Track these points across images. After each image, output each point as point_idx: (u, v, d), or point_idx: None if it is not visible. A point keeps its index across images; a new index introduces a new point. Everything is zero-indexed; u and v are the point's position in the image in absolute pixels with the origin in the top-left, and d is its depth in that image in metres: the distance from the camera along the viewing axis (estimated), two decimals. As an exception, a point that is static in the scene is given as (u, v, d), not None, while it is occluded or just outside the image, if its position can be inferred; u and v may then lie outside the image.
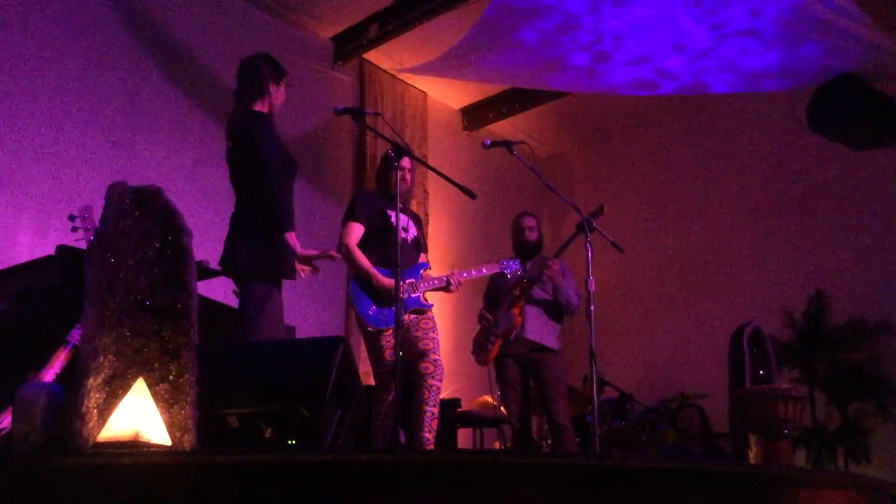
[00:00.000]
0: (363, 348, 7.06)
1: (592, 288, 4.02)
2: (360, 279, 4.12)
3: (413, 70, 7.58)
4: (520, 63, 6.75)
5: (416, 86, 8.18)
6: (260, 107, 3.74)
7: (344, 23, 7.29)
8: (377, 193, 4.40)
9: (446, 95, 8.54)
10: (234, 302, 4.43)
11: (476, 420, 6.10)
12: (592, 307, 4.00)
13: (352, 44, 7.38)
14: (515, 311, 4.92)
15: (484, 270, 4.63)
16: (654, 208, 8.67)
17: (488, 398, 6.68)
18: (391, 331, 3.98)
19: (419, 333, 4.16)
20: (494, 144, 4.22)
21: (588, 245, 4.13)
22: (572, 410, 5.25)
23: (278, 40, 6.91)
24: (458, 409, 5.99)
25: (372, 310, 4.07)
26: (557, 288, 4.91)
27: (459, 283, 4.33)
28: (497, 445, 6.49)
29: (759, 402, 3.99)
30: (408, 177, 4.31)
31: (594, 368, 3.93)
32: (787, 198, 7.77)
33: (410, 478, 2.04)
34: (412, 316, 4.16)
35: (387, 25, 7.06)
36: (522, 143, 4.32)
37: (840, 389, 6.66)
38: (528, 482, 2.13)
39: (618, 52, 6.39)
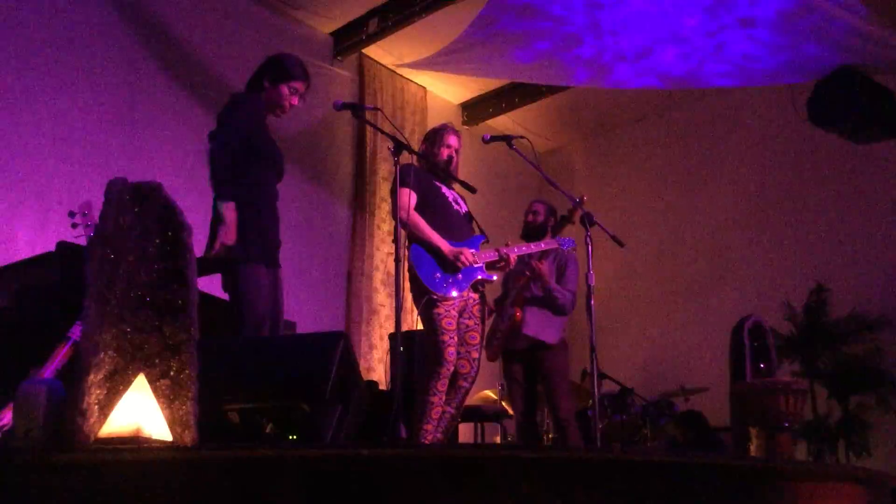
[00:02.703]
0: (363, 344, 7.12)
1: (593, 282, 4.01)
2: (423, 244, 3.93)
3: (412, 65, 7.57)
4: (520, 58, 6.75)
5: (415, 81, 8.18)
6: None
7: (343, 18, 7.29)
8: (423, 167, 4.24)
9: (446, 90, 8.53)
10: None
11: (477, 414, 6.11)
12: (593, 301, 4.00)
13: (351, 39, 7.39)
14: (516, 308, 4.90)
15: (542, 245, 4.56)
16: (654, 202, 8.67)
17: (490, 393, 6.69)
18: (454, 301, 3.88)
19: (470, 322, 4.01)
20: (494, 139, 4.21)
21: (588, 239, 4.13)
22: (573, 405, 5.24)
23: (278, 36, 6.91)
24: (460, 404, 6.00)
25: (438, 275, 3.88)
26: (547, 290, 4.88)
27: (513, 258, 4.14)
28: (498, 440, 6.49)
29: (759, 395, 3.98)
30: (455, 156, 4.24)
31: (594, 362, 3.92)
32: (788, 191, 7.77)
33: (412, 472, 2.04)
34: (469, 294, 4.01)
35: (386, 20, 7.07)
36: (522, 137, 4.31)
37: (841, 383, 6.66)
38: (529, 476, 2.13)
39: (618, 49, 6.41)
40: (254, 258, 3.58)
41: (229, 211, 3.49)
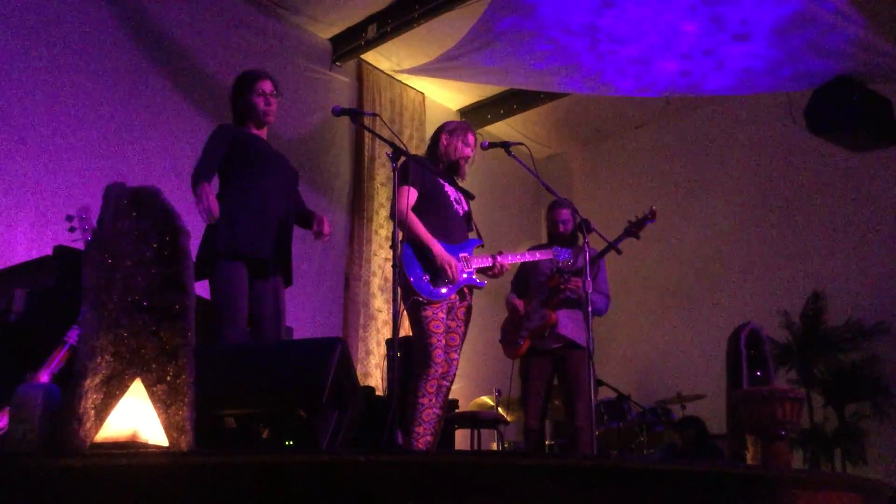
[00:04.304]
0: (360, 349, 7.11)
1: (590, 289, 4.01)
2: (415, 245, 3.92)
3: (411, 71, 7.59)
4: (518, 64, 6.77)
5: (414, 87, 8.19)
6: (244, 126, 3.94)
7: (342, 24, 7.31)
8: (429, 161, 4.22)
9: (444, 96, 8.55)
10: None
11: (474, 421, 6.10)
12: (590, 308, 4.00)
13: (350, 45, 7.40)
14: (549, 308, 4.80)
15: (538, 255, 4.52)
16: (651, 209, 8.68)
17: (486, 399, 6.69)
18: (441, 304, 3.88)
19: (452, 324, 4.02)
20: (492, 145, 4.21)
21: (586, 246, 4.13)
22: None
23: (277, 42, 6.92)
24: (456, 410, 5.99)
25: (426, 278, 3.89)
26: (588, 296, 4.75)
27: (504, 266, 4.13)
28: (494, 446, 6.48)
29: (756, 403, 3.98)
30: (470, 156, 4.24)
31: (592, 369, 3.92)
32: (784, 199, 7.79)
33: (408, 479, 2.04)
34: (456, 297, 4.00)
35: (385, 26, 7.07)
36: (520, 144, 4.30)
37: (837, 391, 6.66)
38: (526, 483, 2.13)
39: (618, 67, 6.45)
40: (227, 254, 3.64)
41: (201, 189, 3.53)
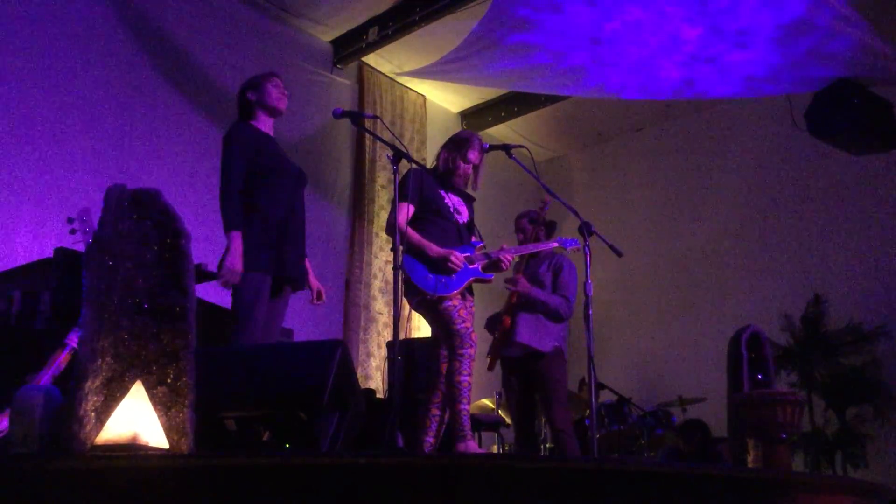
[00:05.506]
0: (361, 352, 7.11)
1: (591, 291, 4.00)
2: (413, 252, 3.95)
3: (412, 73, 7.60)
4: (519, 67, 6.78)
5: (415, 89, 8.19)
6: (255, 120, 3.94)
7: (343, 27, 7.31)
8: (431, 171, 4.23)
9: (445, 99, 8.55)
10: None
11: (474, 423, 6.09)
12: (591, 311, 3.99)
13: (351, 47, 7.41)
14: (506, 315, 4.79)
15: (541, 245, 4.50)
16: (652, 212, 8.68)
17: (487, 401, 6.68)
18: (453, 295, 3.90)
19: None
20: (493, 148, 4.20)
21: (586, 249, 4.12)
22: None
23: (278, 44, 6.93)
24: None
25: (430, 277, 3.91)
26: (532, 299, 4.72)
27: (509, 259, 4.14)
28: (495, 449, 6.48)
29: (757, 406, 3.98)
30: (471, 171, 4.22)
31: (592, 372, 3.91)
32: (785, 202, 7.79)
33: (409, 481, 2.04)
34: (467, 294, 4.04)
35: (386, 29, 7.09)
36: (521, 146, 4.30)
37: (838, 394, 6.66)
38: (524, 485, 2.13)
39: (620, 68, 6.46)
40: (255, 266, 3.66)
41: (234, 240, 3.62)
